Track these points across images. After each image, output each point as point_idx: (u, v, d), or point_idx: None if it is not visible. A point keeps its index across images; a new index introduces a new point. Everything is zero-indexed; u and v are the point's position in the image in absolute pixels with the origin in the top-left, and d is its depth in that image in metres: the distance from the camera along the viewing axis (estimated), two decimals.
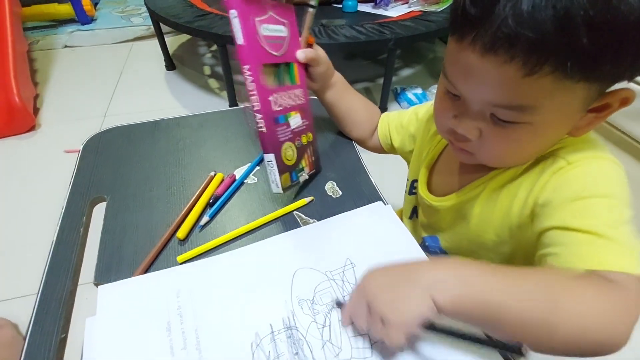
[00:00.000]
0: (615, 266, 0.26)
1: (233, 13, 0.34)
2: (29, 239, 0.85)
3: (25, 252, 0.83)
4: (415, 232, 0.49)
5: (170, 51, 1.54)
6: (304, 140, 0.43)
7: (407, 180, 0.51)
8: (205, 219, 0.40)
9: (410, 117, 0.50)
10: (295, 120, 0.42)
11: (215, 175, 0.45)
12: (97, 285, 0.35)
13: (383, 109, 1.22)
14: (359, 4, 1.26)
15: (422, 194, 0.44)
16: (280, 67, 0.40)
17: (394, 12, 1.23)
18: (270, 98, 0.38)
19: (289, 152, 0.41)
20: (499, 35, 0.24)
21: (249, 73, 0.36)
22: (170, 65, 1.56)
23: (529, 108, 0.27)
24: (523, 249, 0.36)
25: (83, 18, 1.89)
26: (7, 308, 0.68)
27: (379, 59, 1.10)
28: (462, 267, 0.27)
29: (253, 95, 0.36)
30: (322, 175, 0.47)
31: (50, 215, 0.86)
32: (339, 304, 0.32)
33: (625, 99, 0.28)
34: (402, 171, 0.53)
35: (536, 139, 0.30)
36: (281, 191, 0.40)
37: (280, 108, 0.39)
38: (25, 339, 0.31)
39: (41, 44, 1.76)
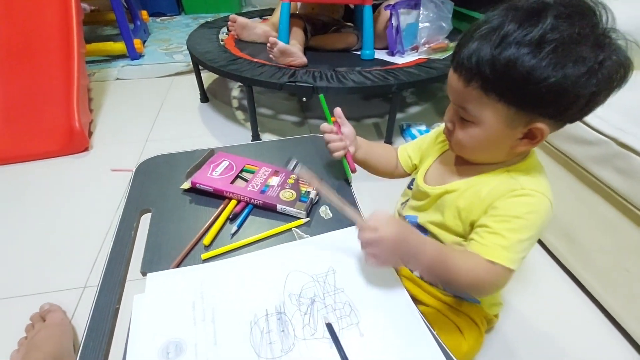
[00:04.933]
0: (491, 256, 0.45)
1: None
2: (78, 240, 1.00)
3: (75, 249, 0.98)
4: (402, 213, 0.64)
5: (205, 85, 1.76)
6: (290, 181, 0.60)
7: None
8: (234, 227, 0.53)
9: (424, 138, 0.65)
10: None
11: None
12: (142, 273, 0.47)
13: (388, 142, 1.34)
14: (377, 51, 1.41)
15: (419, 182, 0.59)
16: None
17: (402, 59, 1.38)
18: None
19: (287, 194, 0.56)
20: (457, 62, 0.44)
21: None
22: (204, 98, 1.76)
23: (470, 110, 0.45)
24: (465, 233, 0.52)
25: (133, 54, 2.17)
26: (57, 297, 0.82)
27: (389, 96, 1.24)
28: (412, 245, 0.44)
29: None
30: (319, 201, 0.59)
31: (97, 221, 1.03)
32: (329, 325, 0.41)
33: (541, 131, 0.43)
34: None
35: (481, 138, 0.46)
36: (304, 216, 0.54)
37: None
38: (92, 305, 0.43)
39: (97, 76, 2.03)
